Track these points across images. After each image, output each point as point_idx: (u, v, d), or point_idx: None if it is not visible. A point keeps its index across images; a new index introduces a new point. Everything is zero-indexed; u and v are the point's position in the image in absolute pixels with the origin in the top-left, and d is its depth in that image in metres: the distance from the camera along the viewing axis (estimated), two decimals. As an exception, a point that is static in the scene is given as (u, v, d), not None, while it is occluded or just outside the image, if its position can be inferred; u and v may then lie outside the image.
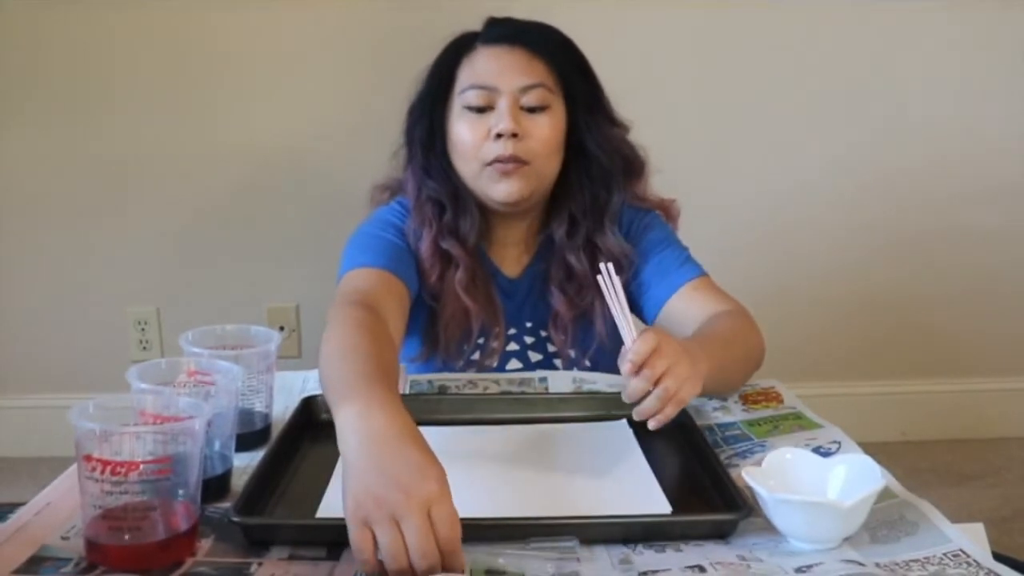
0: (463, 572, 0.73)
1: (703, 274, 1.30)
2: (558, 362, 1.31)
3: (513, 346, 1.31)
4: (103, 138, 2.17)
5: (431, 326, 1.28)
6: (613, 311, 0.97)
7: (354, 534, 0.73)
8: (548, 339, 1.32)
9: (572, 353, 1.30)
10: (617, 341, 1.30)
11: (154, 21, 2.11)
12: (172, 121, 2.16)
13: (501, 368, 1.30)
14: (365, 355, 0.91)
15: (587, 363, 1.31)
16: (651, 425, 0.94)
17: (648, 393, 0.92)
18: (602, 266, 0.97)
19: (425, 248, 1.25)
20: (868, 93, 2.22)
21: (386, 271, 1.19)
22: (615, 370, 1.29)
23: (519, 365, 1.30)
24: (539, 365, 1.30)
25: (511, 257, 1.34)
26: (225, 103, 2.16)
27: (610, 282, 0.97)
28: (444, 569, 0.72)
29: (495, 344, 1.28)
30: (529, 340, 1.32)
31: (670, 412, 0.93)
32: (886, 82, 2.22)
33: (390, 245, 1.25)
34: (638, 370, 0.92)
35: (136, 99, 2.15)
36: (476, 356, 1.29)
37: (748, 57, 2.20)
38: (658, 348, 0.92)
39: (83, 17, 2.10)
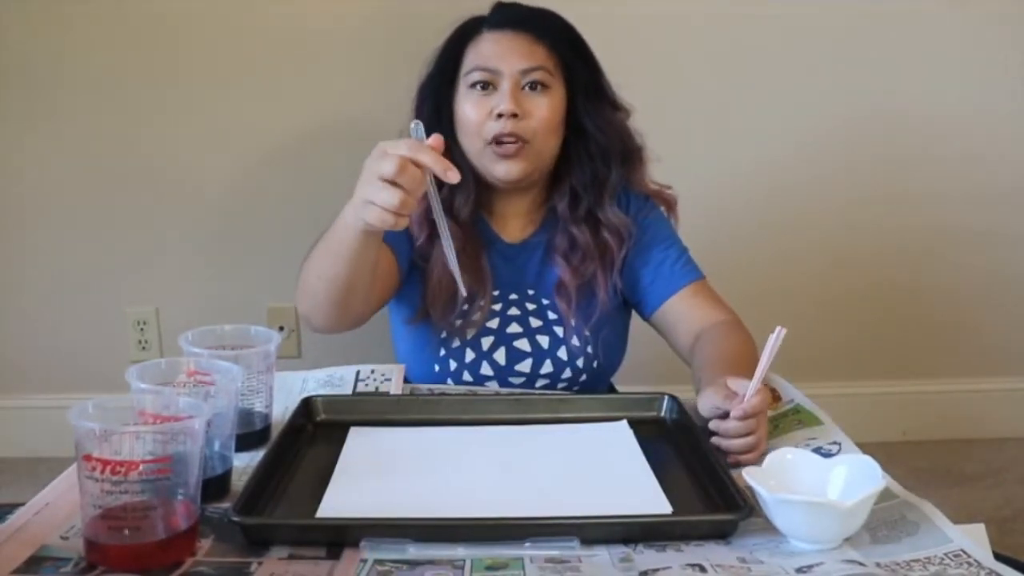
0: (452, 168, 0.96)
1: (701, 278, 1.36)
2: (559, 329, 1.33)
3: (514, 310, 1.34)
4: (102, 137, 2.16)
5: (423, 287, 1.34)
6: (760, 367, 1.01)
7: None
8: (550, 307, 1.35)
9: (574, 321, 1.33)
10: (619, 310, 1.39)
11: (154, 19, 2.11)
12: (172, 120, 2.16)
13: (502, 330, 1.32)
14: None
15: (587, 332, 1.33)
16: (730, 459, 1.00)
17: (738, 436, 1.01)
18: (779, 329, 1.02)
19: (416, 215, 1.32)
20: (871, 91, 2.22)
21: None
22: (615, 339, 1.38)
23: (519, 329, 1.33)
24: (539, 331, 1.33)
25: (513, 226, 1.40)
26: (224, 102, 2.16)
27: (774, 345, 1.01)
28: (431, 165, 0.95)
29: (481, 303, 1.32)
30: (531, 307, 1.35)
31: (752, 459, 0.99)
32: (890, 78, 2.22)
33: None
34: (745, 418, 1.00)
35: (135, 98, 2.14)
36: (476, 316, 1.32)
37: (751, 55, 2.19)
38: (765, 410, 1.03)
39: (81, 14, 2.09)
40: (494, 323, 1.33)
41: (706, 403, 1.06)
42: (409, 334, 1.36)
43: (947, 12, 2.19)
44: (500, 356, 1.31)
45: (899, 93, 2.23)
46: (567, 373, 1.32)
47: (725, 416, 1.01)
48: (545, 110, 1.29)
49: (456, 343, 1.32)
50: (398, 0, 2.12)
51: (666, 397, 1.13)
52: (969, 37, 2.22)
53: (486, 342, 1.32)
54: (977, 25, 2.21)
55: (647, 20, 2.14)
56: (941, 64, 2.23)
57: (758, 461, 0.95)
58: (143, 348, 2.27)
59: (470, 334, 1.32)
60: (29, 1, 2.09)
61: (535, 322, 1.34)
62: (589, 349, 1.33)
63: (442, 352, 1.32)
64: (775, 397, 1.17)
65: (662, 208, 1.41)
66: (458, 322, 1.32)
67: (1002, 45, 2.22)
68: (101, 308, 2.26)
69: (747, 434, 1.00)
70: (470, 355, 1.31)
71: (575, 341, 1.32)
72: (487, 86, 1.29)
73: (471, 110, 1.30)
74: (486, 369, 1.31)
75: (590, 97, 1.34)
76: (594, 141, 1.34)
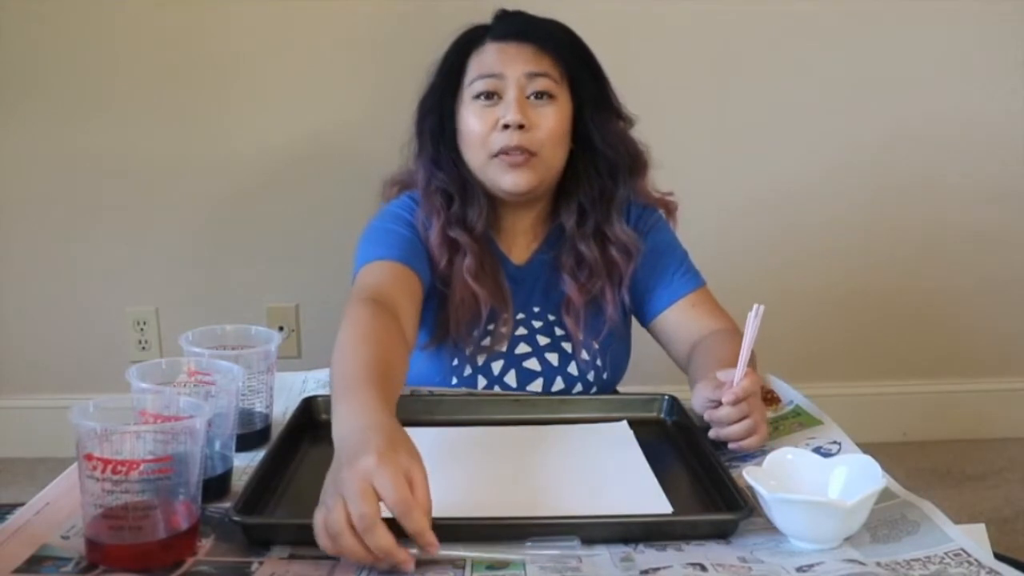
0: (433, 544, 0.75)
1: (702, 285, 1.34)
2: (567, 345, 1.31)
3: (522, 330, 1.32)
4: (103, 138, 2.16)
5: (442, 311, 1.30)
6: (743, 348, 1.02)
7: (315, 518, 0.76)
8: (556, 323, 1.33)
9: (582, 336, 1.31)
10: (624, 321, 1.37)
11: (155, 20, 2.11)
12: (172, 121, 2.16)
13: (511, 352, 1.30)
14: (366, 356, 0.96)
15: (596, 346, 1.32)
16: (732, 446, 1.01)
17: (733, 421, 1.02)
18: (756, 306, 1.01)
19: (434, 237, 1.28)
20: (871, 92, 2.22)
21: (399, 263, 1.21)
22: (622, 350, 1.37)
23: (528, 349, 1.31)
24: (547, 348, 1.31)
25: (519, 245, 1.36)
26: (225, 103, 2.16)
27: (754, 323, 1.01)
28: (409, 535, 0.74)
29: (503, 329, 1.29)
30: (537, 324, 1.33)
31: (754, 443, 1.01)
32: (889, 80, 2.22)
33: (401, 237, 1.27)
34: (736, 402, 1.01)
35: (136, 99, 2.14)
36: (487, 342, 1.30)
37: (751, 56, 2.20)
38: (757, 392, 1.03)
39: (84, 14, 2.10)
40: (502, 345, 1.30)
41: (698, 398, 1.06)
42: (420, 362, 1.31)
43: (946, 12, 2.19)
44: (511, 379, 1.29)
45: (898, 94, 2.24)
46: (578, 388, 1.30)
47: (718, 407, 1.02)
48: (552, 120, 1.25)
49: (468, 371, 1.29)
50: (399, 8, 2.12)
51: (666, 398, 1.14)
52: (970, 38, 2.22)
53: (496, 367, 1.29)
54: (978, 24, 2.21)
55: (648, 20, 2.15)
56: (940, 65, 2.23)
57: (760, 450, 0.95)
58: (143, 348, 2.27)
59: (502, 346, 1.29)
60: (30, 3, 2.09)
61: (543, 340, 1.31)
62: (598, 362, 1.31)
63: (454, 380, 1.29)
64: (775, 399, 1.17)
65: (661, 212, 1.39)
66: (485, 340, 1.29)
67: (1002, 45, 2.22)
68: (101, 308, 2.26)
69: (741, 418, 1.00)
70: (482, 382, 1.29)
71: (584, 355, 1.30)
72: (491, 95, 1.25)
73: (475, 121, 1.25)
74: None
75: (597, 109, 1.30)
76: (602, 156, 1.30)
